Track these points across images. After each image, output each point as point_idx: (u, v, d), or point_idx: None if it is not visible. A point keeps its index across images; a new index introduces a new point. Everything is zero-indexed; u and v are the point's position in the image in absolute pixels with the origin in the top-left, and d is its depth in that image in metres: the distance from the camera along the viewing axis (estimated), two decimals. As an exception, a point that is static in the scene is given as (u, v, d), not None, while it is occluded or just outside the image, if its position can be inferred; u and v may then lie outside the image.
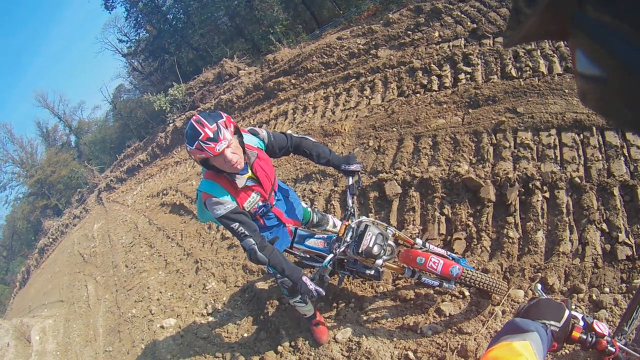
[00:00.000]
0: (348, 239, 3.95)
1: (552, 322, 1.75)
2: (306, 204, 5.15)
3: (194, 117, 3.22)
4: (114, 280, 12.48)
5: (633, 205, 4.36)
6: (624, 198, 4.45)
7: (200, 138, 3.10)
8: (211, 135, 3.11)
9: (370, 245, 3.85)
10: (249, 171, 3.62)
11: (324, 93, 10.47)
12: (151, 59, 35.17)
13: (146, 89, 33.05)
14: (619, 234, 4.21)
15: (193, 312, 7.42)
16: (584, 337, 1.91)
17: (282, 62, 13.80)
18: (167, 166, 19.70)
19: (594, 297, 3.93)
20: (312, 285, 3.65)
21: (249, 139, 3.72)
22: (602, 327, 1.97)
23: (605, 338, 1.96)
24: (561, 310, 1.82)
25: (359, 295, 5.26)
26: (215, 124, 3.16)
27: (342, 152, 7.59)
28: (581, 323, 1.96)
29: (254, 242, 3.50)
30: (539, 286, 2.51)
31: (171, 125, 21.28)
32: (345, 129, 8.07)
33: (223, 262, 8.25)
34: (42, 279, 24.23)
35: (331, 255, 3.86)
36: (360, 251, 3.86)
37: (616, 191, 4.48)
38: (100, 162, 40.30)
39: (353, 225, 4.01)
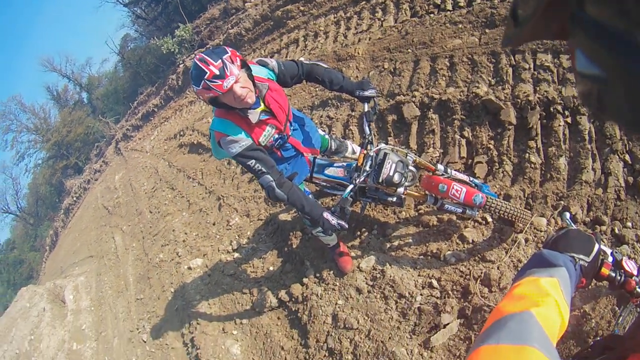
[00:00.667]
0: (367, 167, 3.90)
1: (582, 256, 1.66)
2: (323, 131, 5.11)
3: (198, 56, 3.14)
4: (139, 228, 12.66)
5: None
6: None
7: (206, 77, 3.03)
8: (217, 72, 3.04)
9: (391, 173, 3.81)
10: (262, 104, 3.55)
11: (335, 18, 10.26)
12: (154, 4, 34.58)
13: (152, 34, 32.51)
14: None
15: (219, 250, 7.49)
16: (613, 274, 1.83)
17: (290, -10, 13.47)
18: (181, 107, 19.72)
19: (616, 231, 3.85)
20: (334, 220, 3.61)
21: (257, 70, 3.63)
22: (631, 266, 1.89)
23: (634, 278, 1.86)
24: (591, 243, 1.73)
25: (381, 221, 5.25)
26: (220, 60, 3.08)
27: (357, 77, 7.48)
28: (610, 259, 1.87)
29: (271, 178, 3.46)
30: (568, 215, 2.40)
31: (181, 66, 21.22)
32: (358, 53, 7.88)
33: (245, 196, 8.30)
34: (70, 239, 24.58)
35: (351, 186, 3.81)
36: (380, 180, 3.83)
37: None
38: (114, 114, 40.22)
39: (372, 154, 3.94)
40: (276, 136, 3.72)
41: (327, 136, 4.97)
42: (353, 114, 7.00)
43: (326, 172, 4.70)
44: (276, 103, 3.62)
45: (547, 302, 1.27)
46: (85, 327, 9.96)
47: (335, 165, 4.72)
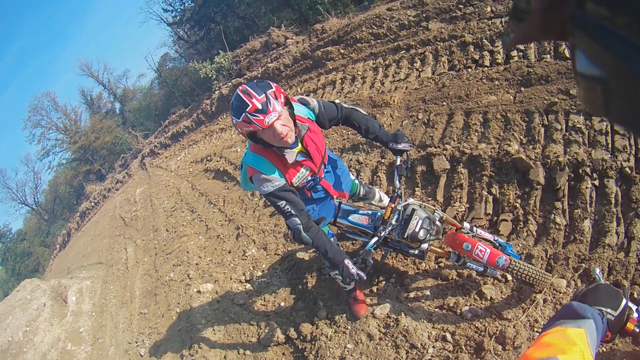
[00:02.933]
0: (394, 221, 3.92)
1: (609, 310, 1.71)
2: (353, 175, 5.12)
3: (241, 87, 3.09)
4: (153, 244, 12.72)
5: None
6: None
7: (247, 110, 2.97)
8: (259, 106, 2.96)
9: (417, 230, 3.83)
10: (299, 145, 3.51)
11: (373, 64, 10.34)
12: (197, 28, 35.25)
13: (192, 57, 33.10)
14: None
15: (231, 279, 7.48)
16: (638, 330, 1.85)
17: (331, 31, 13.67)
18: (211, 133, 19.82)
19: (635, 295, 3.82)
20: (354, 269, 3.58)
21: (299, 109, 3.58)
22: None
23: None
24: (619, 298, 1.78)
25: (400, 270, 5.25)
26: (263, 95, 3.01)
27: (390, 125, 7.52)
28: (636, 315, 1.88)
29: (299, 222, 3.44)
30: (598, 270, 2.44)
31: (217, 92, 21.41)
32: (394, 101, 7.96)
33: (264, 229, 8.31)
34: (82, 242, 24.81)
35: (375, 239, 3.80)
36: (406, 236, 3.84)
37: None
38: (144, 129, 40.95)
39: (400, 208, 3.97)
40: (309, 178, 3.70)
41: (357, 181, 4.98)
42: (383, 161, 7.04)
43: (350, 218, 4.71)
44: (314, 145, 3.61)
45: (574, 350, 1.31)
46: (83, 330, 9.99)
47: (360, 212, 4.72)
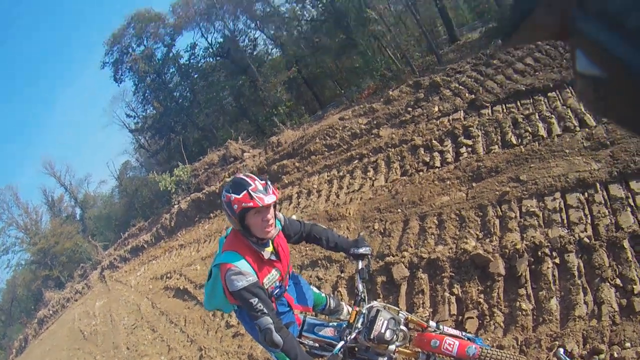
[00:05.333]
0: (359, 325, 3.78)
1: None
2: (319, 289, 5.07)
3: (243, 175, 3.29)
4: None
5: None
6: (634, 249, 4.42)
7: (250, 188, 3.10)
8: (261, 188, 3.13)
9: (382, 330, 3.71)
10: (271, 245, 3.57)
11: (328, 176, 10.57)
12: (157, 137, 36.19)
13: (152, 168, 33.74)
14: (634, 286, 4.15)
15: (196, 405, 7.18)
16: None
17: (286, 144, 14.05)
18: (171, 249, 19.70)
19: (616, 355, 3.81)
20: None
21: None
22: None
23: None
24: None
25: (370, 377, 5.08)
26: (264, 181, 3.22)
27: (348, 237, 7.45)
28: None
29: (271, 321, 3.34)
30: (561, 350, 2.41)
31: (176, 207, 21.44)
32: (350, 213, 8.06)
33: (228, 350, 8.07)
34: (40, 351, 24.51)
35: (342, 343, 3.67)
36: (372, 337, 3.71)
37: (626, 243, 4.45)
38: (104, 239, 40.82)
39: (364, 311, 3.85)
40: (277, 283, 3.68)
41: (323, 294, 4.94)
42: (342, 275, 6.98)
43: (316, 331, 4.52)
44: (282, 249, 3.67)
45: None
46: None
47: (325, 324, 4.56)
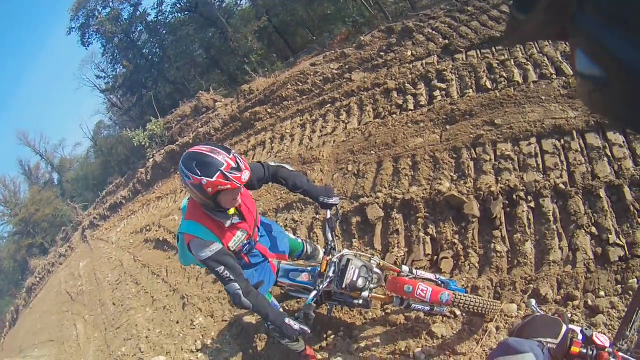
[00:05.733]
0: (331, 274, 3.87)
1: (549, 340, 1.70)
2: (295, 235, 5.15)
3: (203, 148, 3.08)
4: (102, 319, 12.43)
5: (621, 205, 4.36)
6: (611, 199, 4.46)
7: (223, 168, 2.96)
8: (234, 164, 3.00)
9: (354, 278, 3.80)
10: (233, 208, 3.48)
11: (301, 120, 10.50)
12: (129, 95, 35.71)
13: (126, 125, 33.13)
14: (610, 236, 4.19)
15: (182, 349, 7.26)
16: (584, 351, 1.83)
17: (258, 92, 13.89)
18: (149, 202, 19.63)
19: (590, 303, 3.89)
20: (296, 325, 3.49)
21: None
22: (602, 339, 1.89)
23: (606, 350, 1.87)
24: (557, 325, 1.78)
25: (348, 323, 5.16)
26: (232, 154, 3.06)
27: (322, 180, 7.57)
28: (580, 337, 1.88)
29: (238, 287, 3.35)
30: (533, 301, 2.44)
31: (151, 160, 21.28)
32: (323, 156, 8.03)
33: (209, 296, 8.12)
34: (32, 319, 24.40)
35: (315, 292, 3.77)
36: (344, 286, 3.81)
37: (602, 193, 4.48)
38: (83, 200, 40.38)
39: (335, 260, 3.93)
40: (245, 242, 3.64)
41: (300, 240, 4.94)
42: (318, 217, 6.99)
43: (291, 276, 4.63)
44: (246, 207, 3.60)
45: None
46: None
47: (300, 269, 4.66)
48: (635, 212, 4.28)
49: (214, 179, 2.95)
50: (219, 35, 28.00)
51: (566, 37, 0.61)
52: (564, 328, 1.78)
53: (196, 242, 3.29)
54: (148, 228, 15.98)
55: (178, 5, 30.06)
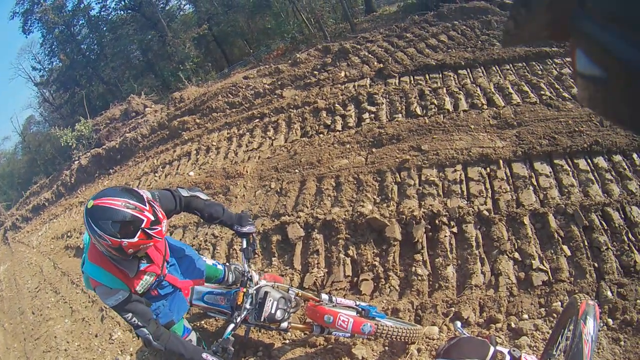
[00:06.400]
0: (248, 305, 3.76)
1: None
2: (214, 260, 5.02)
3: (114, 202, 2.76)
4: (21, 328, 11.83)
5: (545, 232, 4.53)
6: (535, 226, 4.60)
7: (143, 225, 2.74)
8: (152, 217, 2.79)
9: (272, 311, 3.72)
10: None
11: (228, 133, 10.39)
12: (62, 91, 34.94)
13: (56, 122, 32.11)
14: (533, 261, 4.33)
15: (101, 365, 7.00)
16: None
17: (188, 100, 13.72)
18: (71, 206, 18.94)
19: (513, 325, 3.97)
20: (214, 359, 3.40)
21: None
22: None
23: None
24: (485, 347, 1.80)
25: (266, 343, 5.03)
26: (147, 204, 2.83)
27: (244, 195, 7.48)
28: (508, 358, 1.91)
29: (147, 332, 3.22)
30: (458, 323, 2.48)
31: (76, 163, 20.54)
32: (247, 171, 7.95)
33: (128, 310, 7.82)
34: None
35: (232, 326, 3.65)
36: (262, 319, 3.71)
37: (527, 220, 4.63)
38: (7, 198, 38.89)
39: (252, 292, 3.82)
40: (154, 282, 3.46)
41: (219, 266, 4.77)
42: (239, 233, 6.81)
43: (206, 299, 4.54)
44: (153, 248, 3.34)
45: None
46: None
47: (215, 292, 4.56)
48: (560, 239, 4.44)
49: (136, 239, 2.75)
50: (157, 39, 27.87)
51: (566, 37, 0.61)
52: (492, 349, 1.80)
53: (102, 289, 3.12)
54: (69, 234, 15.45)
55: (122, 2, 29.66)
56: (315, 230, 5.85)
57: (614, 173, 4.99)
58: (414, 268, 4.83)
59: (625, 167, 5.01)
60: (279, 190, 6.97)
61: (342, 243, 5.53)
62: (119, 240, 2.73)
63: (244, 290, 3.80)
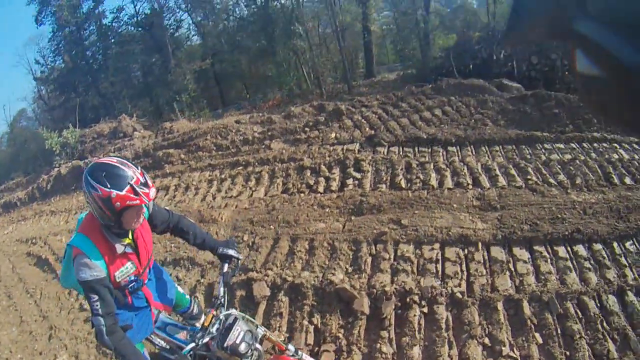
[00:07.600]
0: (214, 330, 3.60)
1: None
2: (182, 290, 4.86)
3: (111, 160, 2.94)
4: None
5: (518, 318, 4.49)
6: (508, 312, 4.57)
7: (133, 182, 2.80)
8: (142, 180, 2.86)
9: (237, 341, 3.54)
10: (130, 236, 3.29)
11: (210, 176, 10.33)
12: (58, 92, 34.53)
13: (45, 122, 31.84)
14: (503, 348, 4.27)
15: (39, 386, 6.76)
16: None
17: (177, 133, 13.74)
18: (42, 213, 18.59)
19: None
20: None
21: None
22: None
23: None
24: None
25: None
26: (140, 170, 2.92)
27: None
28: None
29: (104, 323, 3.11)
30: None
31: (56, 170, 20.28)
32: (222, 218, 7.87)
33: (77, 335, 7.66)
34: None
35: (192, 345, 3.50)
36: (225, 346, 3.53)
37: (500, 305, 4.60)
38: (-19, 185, 38.20)
39: (221, 317, 3.67)
40: (133, 277, 3.41)
41: (188, 296, 4.77)
42: (202, 280, 6.73)
43: (168, 330, 4.40)
44: (143, 240, 3.39)
45: None
46: None
47: (179, 325, 4.47)
48: (532, 326, 4.40)
49: (124, 192, 2.79)
50: (160, 64, 27.96)
51: (566, 38, 0.61)
52: None
53: (81, 258, 3.06)
54: (34, 241, 15.08)
55: (135, 18, 30.00)
56: (282, 292, 5.76)
57: (593, 262, 5.04)
58: (379, 345, 4.72)
59: (605, 255, 5.06)
60: (250, 244, 6.88)
61: (308, 309, 5.44)
62: (109, 190, 2.79)
63: (215, 312, 3.69)
